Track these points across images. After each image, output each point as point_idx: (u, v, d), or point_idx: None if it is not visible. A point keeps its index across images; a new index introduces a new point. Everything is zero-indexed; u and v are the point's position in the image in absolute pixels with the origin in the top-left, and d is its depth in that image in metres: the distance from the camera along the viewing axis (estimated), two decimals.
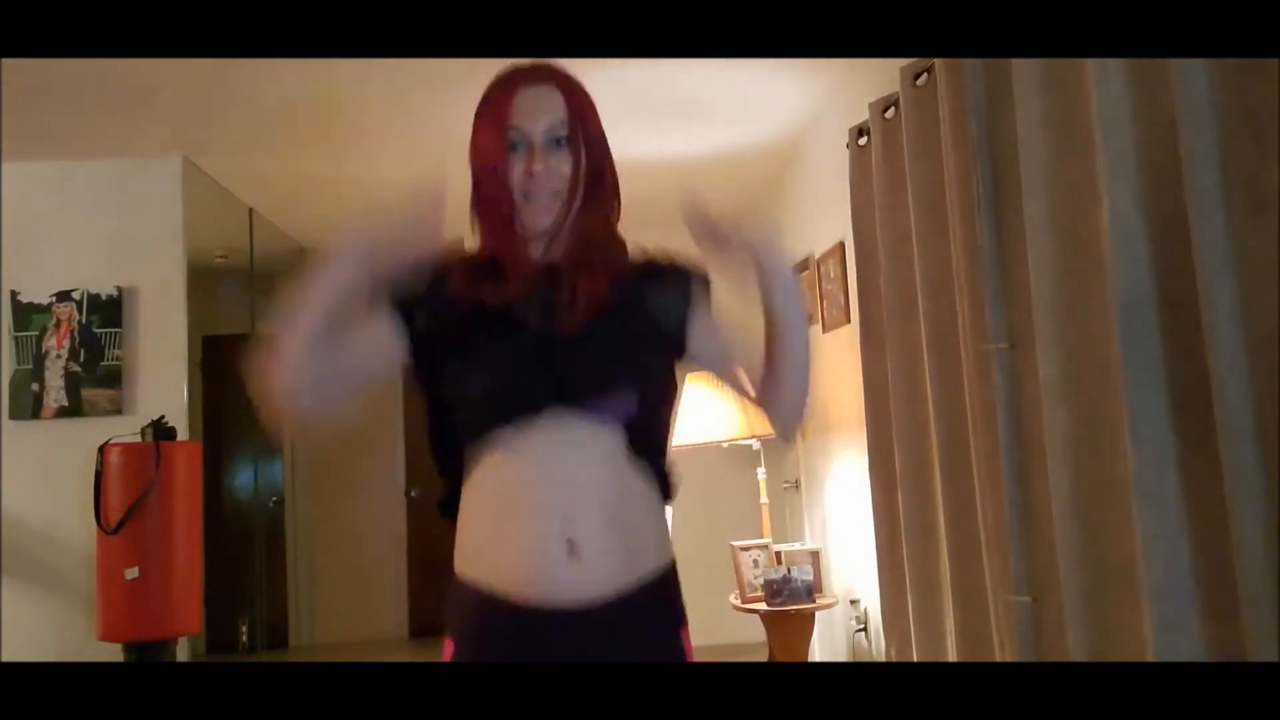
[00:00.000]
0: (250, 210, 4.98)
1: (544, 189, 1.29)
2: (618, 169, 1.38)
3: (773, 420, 1.41)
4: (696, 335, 1.37)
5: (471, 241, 1.37)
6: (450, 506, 1.34)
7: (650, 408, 1.33)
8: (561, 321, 1.28)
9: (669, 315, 1.36)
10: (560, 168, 1.30)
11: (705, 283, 1.39)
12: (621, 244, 1.38)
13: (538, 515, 1.23)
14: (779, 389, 1.36)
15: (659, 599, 1.30)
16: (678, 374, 1.40)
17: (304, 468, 6.13)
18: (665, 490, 1.37)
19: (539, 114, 1.29)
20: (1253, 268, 1.49)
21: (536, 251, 1.34)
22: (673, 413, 1.41)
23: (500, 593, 1.24)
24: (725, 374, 1.45)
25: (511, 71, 1.33)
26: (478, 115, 1.32)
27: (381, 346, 1.32)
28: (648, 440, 1.32)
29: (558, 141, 1.30)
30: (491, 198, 1.30)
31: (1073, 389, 1.89)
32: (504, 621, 1.24)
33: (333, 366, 1.27)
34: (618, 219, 1.39)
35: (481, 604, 1.26)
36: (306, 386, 1.26)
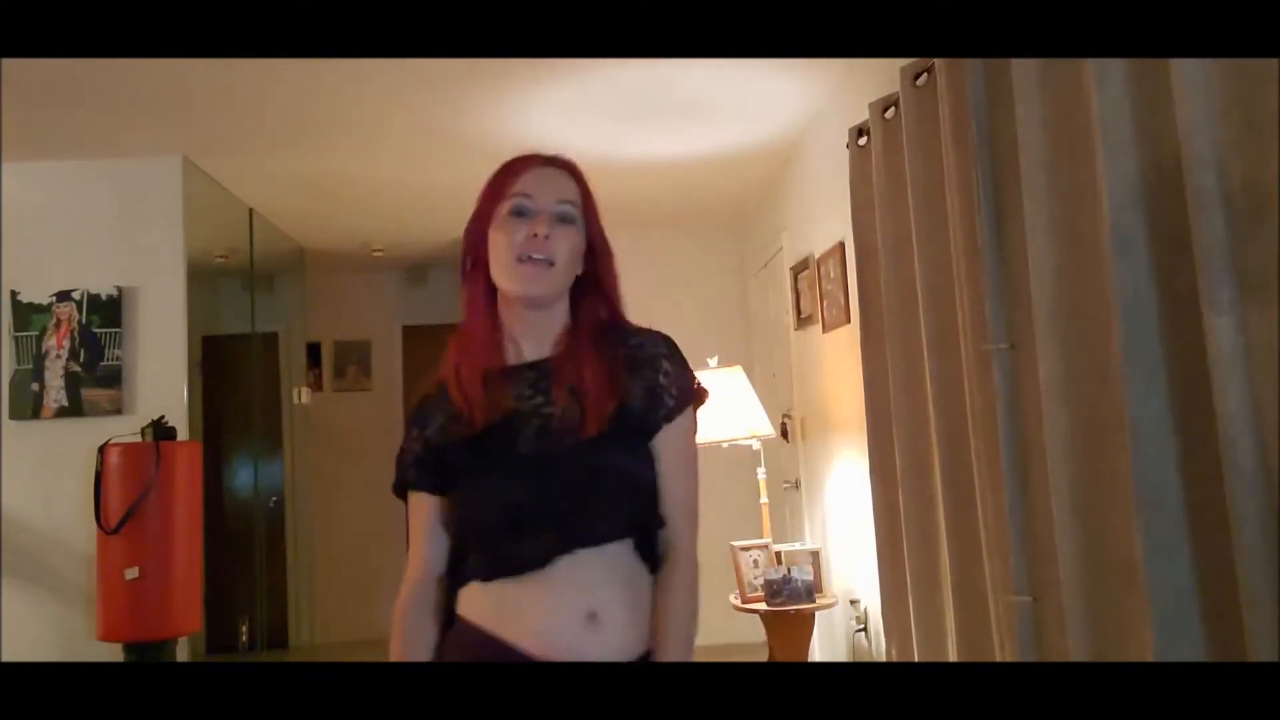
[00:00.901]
0: (250, 210, 4.98)
1: (544, 255, 1.29)
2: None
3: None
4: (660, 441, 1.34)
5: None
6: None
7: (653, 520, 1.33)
8: (559, 441, 1.28)
9: (648, 411, 1.33)
10: (565, 241, 1.31)
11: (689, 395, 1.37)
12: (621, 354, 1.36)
13: (556, 587, 1.24)
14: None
15: None
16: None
17: (304, 468, 6.12)
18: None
19: (552, 189, 1.32)
20: (1253, 268, 1.49)
21: (532, 346, 1.34)
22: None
23: (515, 646, 1.24)
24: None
25: (525, 155, 1.35)
26: (486, 187, 1.33)
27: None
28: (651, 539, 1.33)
29: (566, 219, 1.32)
30: (491, 258, 1.31)
31: (1073, 389, 1.88)
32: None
33: None
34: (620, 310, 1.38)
35: (492, 650, 1.26)
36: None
